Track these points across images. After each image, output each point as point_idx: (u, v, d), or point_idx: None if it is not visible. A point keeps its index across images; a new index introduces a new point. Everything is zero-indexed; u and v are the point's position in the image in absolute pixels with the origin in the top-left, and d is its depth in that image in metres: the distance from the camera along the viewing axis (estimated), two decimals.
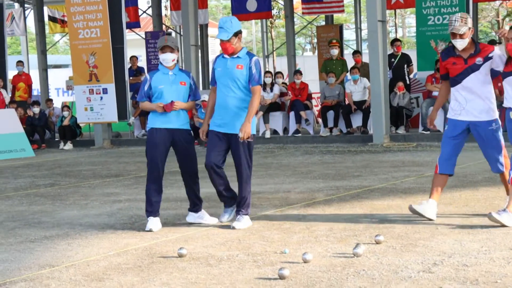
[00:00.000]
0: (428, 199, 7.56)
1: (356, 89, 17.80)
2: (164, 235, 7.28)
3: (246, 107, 7.43)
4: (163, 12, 31.22)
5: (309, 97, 19.16)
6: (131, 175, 12.62)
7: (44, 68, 25.46)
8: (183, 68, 26.36)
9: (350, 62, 20.18)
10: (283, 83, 19.90)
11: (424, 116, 16.90)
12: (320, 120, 18.57)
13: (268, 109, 18.48)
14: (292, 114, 18.44)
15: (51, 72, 29.77)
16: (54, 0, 31.45)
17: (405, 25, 53.27)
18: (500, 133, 7.54)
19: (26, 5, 31.61)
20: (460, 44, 7.36)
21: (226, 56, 7.50)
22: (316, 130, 18.92)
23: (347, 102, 18.04)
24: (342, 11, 27.85)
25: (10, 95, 21.55)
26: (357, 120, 17.76)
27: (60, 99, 30.22)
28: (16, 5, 32.25)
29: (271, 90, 18.72)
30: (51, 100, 22.63)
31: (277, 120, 18.81)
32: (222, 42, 7.37)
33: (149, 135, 7.68)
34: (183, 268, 5.91)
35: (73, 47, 18.81)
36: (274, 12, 34.30)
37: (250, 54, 7.54)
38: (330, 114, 17.96)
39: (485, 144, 7.56)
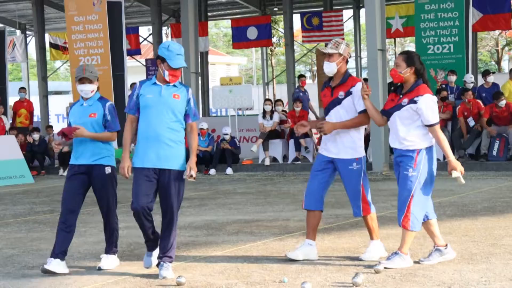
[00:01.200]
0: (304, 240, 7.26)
1: None
2: None
3: (178, 141, 6.73)
4: (164, 39, 31.39)
5: None
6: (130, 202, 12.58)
7: (44, 94, 25.54)
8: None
9: None
10: (283, 110, 19.96)
11: None
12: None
13: (268, 136, 18.50)
14: (291, 141, 18.45)
15: (51, 98, 29.85)
16: (56, 27, 31.68)
17: None
18: (362, 175, 7.09)
19: (28, 32, 31.85)
20: (326, 66, 6.96)
21: (159, 83, 6.70)
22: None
23: None
24: (342, 39, 28.01)
25: (11, 121, 21.59)
26: None
27: (61, 125, 30.29)
28: (18, 32, 32.49)
29: (271, 117, 18.76)
30: (51, 126, 22.66)
31: (276, 147, 18.81)
32: (175, 70, 6.61)
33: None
34: None
35: (74, 74, 18.87)
36: (274, 40, 34.48)
37: (183, 84, 6.87)
38: None
39: (345, 183, 7.17)
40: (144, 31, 36.06)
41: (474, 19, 21.17)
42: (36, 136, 20.25)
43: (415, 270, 6.54)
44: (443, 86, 17.70)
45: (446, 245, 6.95)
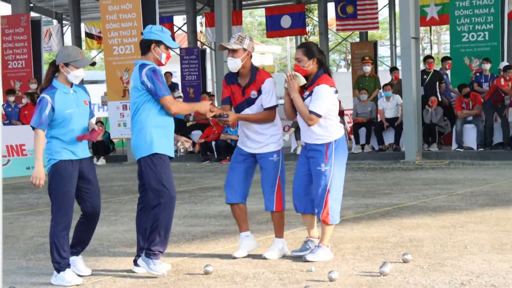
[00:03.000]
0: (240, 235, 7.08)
1: (389, 106, 17.72)
2: (191, 252, 7.29)
3: None
4: (198, 28, 31.45)
5: (341, 113, 19.09)
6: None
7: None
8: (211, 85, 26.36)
9: (385, 79, 20.12)
10: None
11: (458, 133, 16.76)
12: (352, 137, 18.51)
13: None
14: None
15: (87, 88, 30.02)
16: (91, 17, 31.93)
17: (440, 41, 53.00)
18: (280, 167, 6.89)
19: (64, 22, 32.16)
20: (231, 62, 6.72)
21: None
22: (348, 146, 18.78)
23: (379, 119, 17.97)
24: (377, 27, 27.87)
25: None
26: (389, 137, 17.66)
27: (96, 114, 30.50)
28: (54, 21, 32.82)
29: None
30: None
31: None
32: (169, 52, 6.55)
33: (55, 168, 6.40)
34: (209, 286, 5.92)
35: (107, 63, 19.03)
36: (308, 28, 34.37)
37: None
38: (362, 131, 17.89)
39: (264, 176, 6.91)
40: (179, 20, 36.19)
41: (511, 6, 20.86)
42: None
43: (444, 260, 6.49)
44: (477, 74, 17.51)
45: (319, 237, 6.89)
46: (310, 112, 6.61)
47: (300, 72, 6.69)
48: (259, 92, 6.79)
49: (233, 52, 6.72)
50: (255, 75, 6.81)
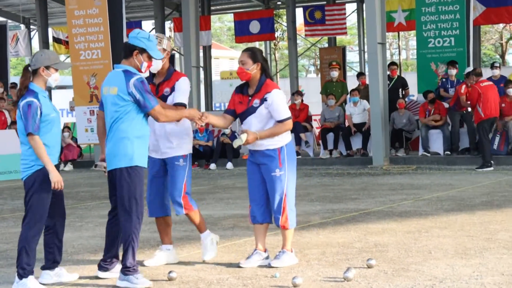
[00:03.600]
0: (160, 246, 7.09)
1: (356, 111, 17.80)
2: None
3: None
4: (167, 33, 31.35)
5: (309, 118, 19.15)
6: None
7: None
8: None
9: (354, 84, 20.21)
10: None
11: (423, 139, 16.88)
12: (320, 142, 18.55)
13: None
14: (292, 135, 18.40)
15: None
16: (59, 21, 31.69)
17: (408, 47, 53.40)
18: (186, 174, 6.83)
19: (31, 27, 31.87)
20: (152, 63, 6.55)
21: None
22: (316, 152, 18.90)
23: (347, 124, 18.03)
24: (345, 33, 27.98)
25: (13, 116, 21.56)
26: (357, 143, 17.74)
27: (64, 120, 30.28)
28: (22, 26, 32.52)
29: None
30: None
31: None
32: (151, 61, 6.40)
33: (38, 175, 6.14)
34: None
35: (74, 68, 18.87)
36: (277, 34, 34.41)
37: None
38: (330, 136, 17.94)
39: (170, 182, 6.85)
40: (148, 25, 36.03)
41: (477, 12, 21.06)
42: None
43: (408, 265, 6.51)
44: (444, 79, 17.64)
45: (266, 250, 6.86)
46: (280, 121, 6.57)
47: (243, 75, 6.64)
48: (172, 90, 6.75)
49: None
50: (171, 74, 6.82)
